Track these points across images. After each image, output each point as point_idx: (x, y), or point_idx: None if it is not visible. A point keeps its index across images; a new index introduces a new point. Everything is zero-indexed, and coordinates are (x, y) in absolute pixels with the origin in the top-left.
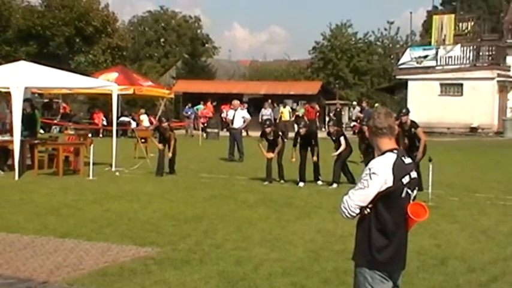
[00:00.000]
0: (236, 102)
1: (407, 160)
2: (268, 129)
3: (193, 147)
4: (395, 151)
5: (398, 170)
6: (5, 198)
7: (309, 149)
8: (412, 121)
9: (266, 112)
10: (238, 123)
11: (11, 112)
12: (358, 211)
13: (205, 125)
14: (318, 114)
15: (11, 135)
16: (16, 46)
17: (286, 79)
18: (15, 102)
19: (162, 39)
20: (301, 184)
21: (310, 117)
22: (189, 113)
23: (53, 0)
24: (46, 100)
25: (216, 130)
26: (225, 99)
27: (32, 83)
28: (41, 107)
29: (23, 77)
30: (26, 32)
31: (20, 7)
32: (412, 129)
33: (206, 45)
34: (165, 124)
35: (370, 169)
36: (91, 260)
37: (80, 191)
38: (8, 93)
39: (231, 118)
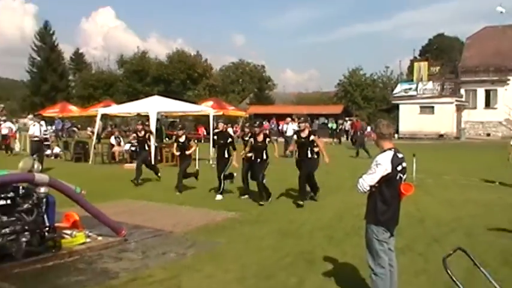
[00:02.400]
0: (288, 119)
1: (400, 155)
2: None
3: None
4: (392, 149)
5: (395, 161)
6: (146, 180)
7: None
8: (310, 130)
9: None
10: (289, 132)
11: (147, 126)
12: (368, 188)
13: None
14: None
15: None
16: (152, 87)
17: (320, 103)
18: (152, 121)
19: (240, 80)
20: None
21: (356, 129)
22: (273, 126)
23: (174, 57)
24: (170, 120)
25: (275, 137)
26: (281, 117)
27: (161, 109)
28: (168, 125)
29: (156, 105)
30: (157, 78)
31: (154, 62)
32: (311, 136)
33: (268, 83)
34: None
35: (376, 161)
36: (198, 219)
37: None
38: (147, 116)
39: (285, 129)
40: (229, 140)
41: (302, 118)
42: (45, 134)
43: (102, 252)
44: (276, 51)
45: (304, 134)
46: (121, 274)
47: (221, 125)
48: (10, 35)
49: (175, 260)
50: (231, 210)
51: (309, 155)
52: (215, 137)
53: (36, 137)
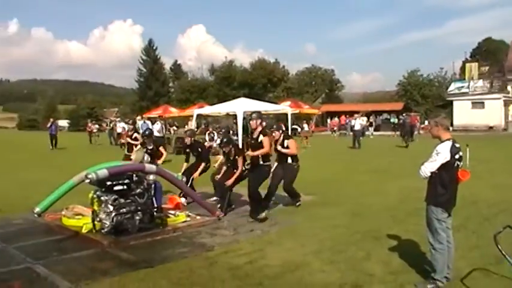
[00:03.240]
0: (356, 115)
1: (457, 145)
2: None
3: (331, 142)
4: (451, 140)
5: (453, 150)
6: None
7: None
8: (262, 129)
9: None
10: (357, 127)
11: (235, 124)
12: (429, 174)
13: (335, 128)
14: (417, 121)
15: (237, 136)
16: (238, 90)
17: (382, 102)
18: (239, 119)
19: (313, 82)
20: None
21: (414, 122)
22: (347, 122)
23: (256, 65)
24: None
25: (345, 131)
26: (349, 113)
27: (246, 109)
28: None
29: (242, 106)
30: (242, 82)
31: (239, 70)
32: (260, 137)
33: (337, 84)
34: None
35: (437, 150)
36: (279, 202)
37: None
38: (235, 115)
39: (353, 124)
40: (199, 150)
41: (254, 115)
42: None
43: (200, 229)
44: (344, 57)
45: (255, 135)
46: (216, 247)
47: (188, 139)
48: (122, 52)
49: (261, 236)
50: (307, 194)
51: (261, 162)
52: (187, 150)
53: (158, 133)
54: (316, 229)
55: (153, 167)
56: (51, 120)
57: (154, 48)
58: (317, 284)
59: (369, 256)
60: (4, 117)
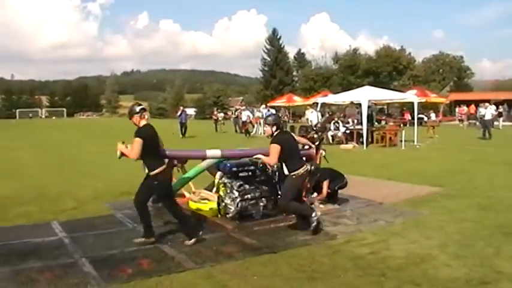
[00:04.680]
0: (486, 104)
1: None
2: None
3: (460, 132)
4: None
5: None
6: (356, 159)
7: None
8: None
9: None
10: (488, 116)
11: (358, 113)
12: None
13: (462, 118)
14: None
15: (361, 125)
16: (362, 79)
17: None
18: (363, 108)
19: (440, 70)
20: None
21: None
22: (480, 110)
23: (381, 52)
24: (379, 107)
25: (474, 121)
26: (479, 102)
27: (371, 97)
28: (377, 111)
29: (367, 94)
30: (367, 70)
31: (364, 58)
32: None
33: (466, 72)
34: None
35: None
36: (404, 193)
37: (397, 156)
38: (359, 104)
39: (483, 113)
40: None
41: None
42: None
43: (323, 217)
44: (474, 43)
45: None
46: (338, 236)
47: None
48: (246, 42)
49: (385, 226)
50: (434, 186)
51: (285, 172)
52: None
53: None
54: (442, 222)
55: None
56: (181, 108)
57: (278, 37)
58: (442, 278)
59: (498, 252)
60: None
